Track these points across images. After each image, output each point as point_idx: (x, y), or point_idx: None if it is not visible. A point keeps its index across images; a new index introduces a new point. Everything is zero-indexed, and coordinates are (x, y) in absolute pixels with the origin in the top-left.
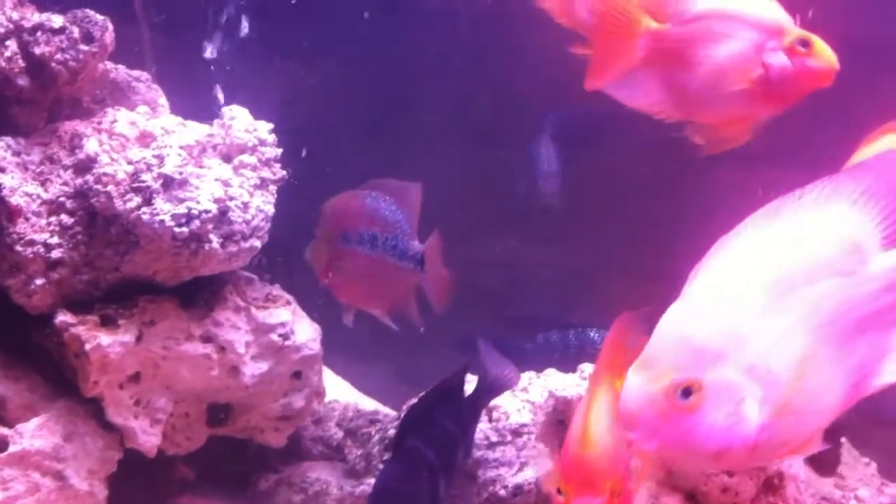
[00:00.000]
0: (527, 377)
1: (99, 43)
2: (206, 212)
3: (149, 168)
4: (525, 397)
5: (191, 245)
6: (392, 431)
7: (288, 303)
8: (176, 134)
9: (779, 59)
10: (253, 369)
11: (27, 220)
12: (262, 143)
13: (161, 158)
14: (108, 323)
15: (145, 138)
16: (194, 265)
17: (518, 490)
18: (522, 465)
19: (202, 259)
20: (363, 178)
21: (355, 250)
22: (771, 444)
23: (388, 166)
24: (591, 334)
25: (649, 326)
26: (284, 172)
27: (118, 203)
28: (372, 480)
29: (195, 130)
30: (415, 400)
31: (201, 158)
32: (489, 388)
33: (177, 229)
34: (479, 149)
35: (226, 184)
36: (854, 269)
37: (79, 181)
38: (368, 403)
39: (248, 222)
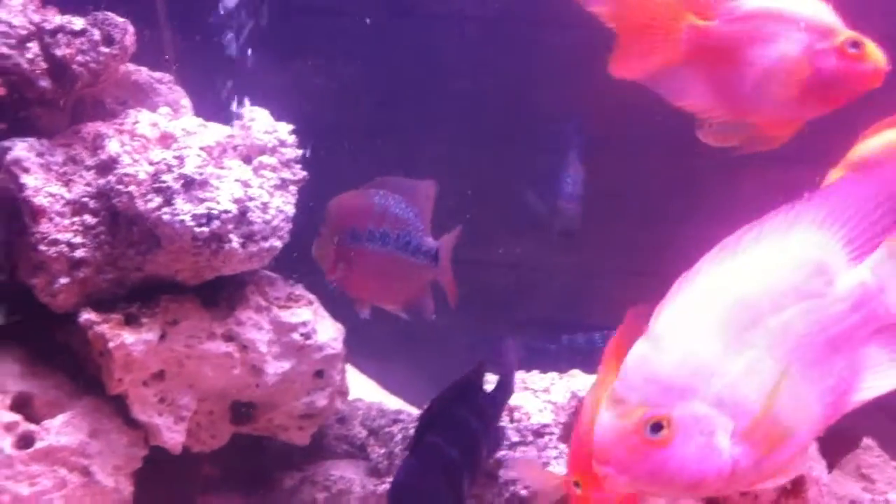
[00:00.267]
0: (549, 378)
1: (119, 45)
2: (226, 212)
3: (169, 169)
4: (547, 398)
5: (211, 245)
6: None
7: (310, 302)
8: (196, 135)
9: (829, 61)
10: (275, 368)
11: (51, 220)
12: (283, 143)
13: (181, 159)
14: (131, 321)
15: (166, 139)
16: (215, 265)
17: None
18: (544, 466)
19: (223, 258)
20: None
21: (366, 248)
22: (749, 470)
23: (406, 168)
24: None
25: None
26: (305, 173)
27: (139, 203)
28: None
29: (216, 131)
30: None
31: (222, 159)
32: (511, 387)
33: (197, 229)
34: (498, 151)
35: (246, 184)
36: (822, 291)
37: (101, 182)
38: (393, 403)
39: (267, 222)
